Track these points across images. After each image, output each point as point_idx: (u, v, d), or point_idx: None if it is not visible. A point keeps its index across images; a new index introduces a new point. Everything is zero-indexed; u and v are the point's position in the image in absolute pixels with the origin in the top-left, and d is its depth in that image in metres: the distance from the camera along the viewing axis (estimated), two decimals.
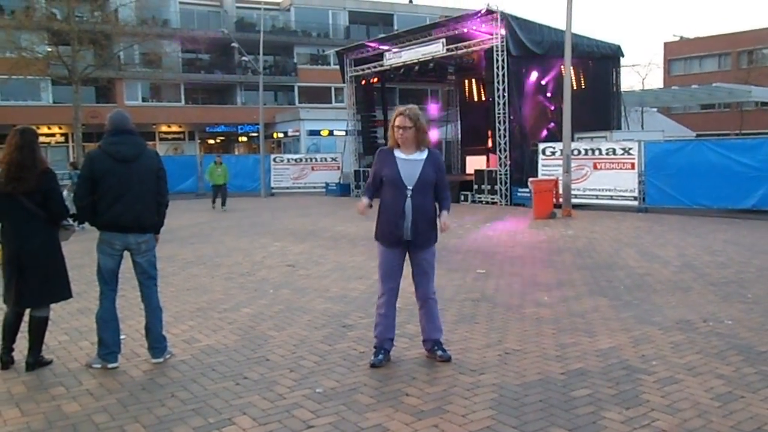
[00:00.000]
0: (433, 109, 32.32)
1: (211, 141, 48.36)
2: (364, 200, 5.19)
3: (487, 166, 23.67)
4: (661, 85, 53.45)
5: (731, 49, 51.53)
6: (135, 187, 5.10)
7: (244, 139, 48.07)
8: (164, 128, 45.05)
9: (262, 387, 4.69)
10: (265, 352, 5.52)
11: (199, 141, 46.65)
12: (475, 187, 22.37)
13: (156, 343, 5.35)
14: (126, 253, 5.23)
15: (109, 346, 5.17)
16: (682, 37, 56.86)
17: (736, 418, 3.99)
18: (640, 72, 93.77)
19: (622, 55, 24.19)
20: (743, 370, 4.83)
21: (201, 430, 3.99)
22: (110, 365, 5.15)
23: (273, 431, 3.94)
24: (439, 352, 5.18)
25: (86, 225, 5.42)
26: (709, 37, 54.26)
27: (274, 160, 30.95)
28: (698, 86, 31.55)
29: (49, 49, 31.68)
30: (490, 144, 23.79)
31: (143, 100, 44.10)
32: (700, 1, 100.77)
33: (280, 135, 43.92)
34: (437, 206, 5.19)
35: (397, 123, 5.02)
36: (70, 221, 5.33)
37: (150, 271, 5.32)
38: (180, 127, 45.72)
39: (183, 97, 45.41)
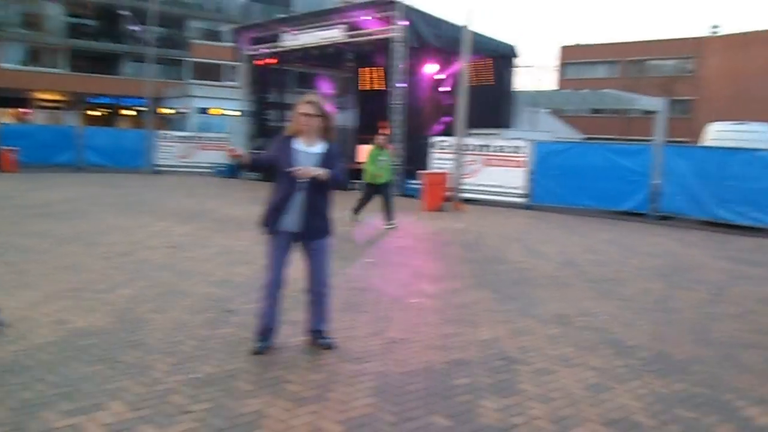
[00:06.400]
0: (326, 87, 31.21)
1: (93, 113, 45.82)
2: (245, 153, 5.20)
3: None
4: (556, 88, 55.58)
5: (620, 58, 54.28)
6: None
7: (129, 112, 45.96)
8: (42, 95, 42.34)
9: (136, 371, 4.48)
10: (142, 336, 5.28)
11: (80, 112, 44.17)
12: None
13: None
14: None
15: None
16: (578, 44, 59.36)
17: (605, 407, 4.18)
18: (535, 74, 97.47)
19: (516, 56, 24.90)
20: (613, 362, 5.07)
21: (69, 414, 3.76)
22: None
23: (146, 417, 3.76)
24: (321, 340, 5.16)
25: None
26: (602, 45, 56.90)
27: (160, 136, 29.79)
28: (589, 91, 32.92)
29: None
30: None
31: (22, 63, 41.29)
32: (596, 9, 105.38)
33: (169, 111, 42.32)
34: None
35: (302, 110, 4.91)
36: None
37: None
38: (60, 95, 43.09)
39: (65, 63, 42.76)
